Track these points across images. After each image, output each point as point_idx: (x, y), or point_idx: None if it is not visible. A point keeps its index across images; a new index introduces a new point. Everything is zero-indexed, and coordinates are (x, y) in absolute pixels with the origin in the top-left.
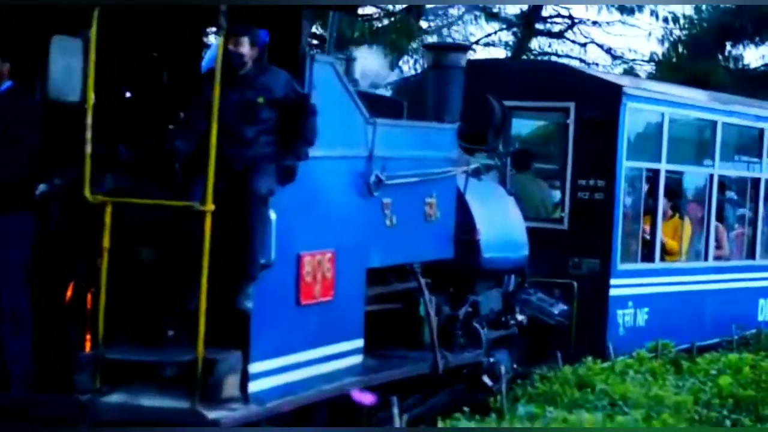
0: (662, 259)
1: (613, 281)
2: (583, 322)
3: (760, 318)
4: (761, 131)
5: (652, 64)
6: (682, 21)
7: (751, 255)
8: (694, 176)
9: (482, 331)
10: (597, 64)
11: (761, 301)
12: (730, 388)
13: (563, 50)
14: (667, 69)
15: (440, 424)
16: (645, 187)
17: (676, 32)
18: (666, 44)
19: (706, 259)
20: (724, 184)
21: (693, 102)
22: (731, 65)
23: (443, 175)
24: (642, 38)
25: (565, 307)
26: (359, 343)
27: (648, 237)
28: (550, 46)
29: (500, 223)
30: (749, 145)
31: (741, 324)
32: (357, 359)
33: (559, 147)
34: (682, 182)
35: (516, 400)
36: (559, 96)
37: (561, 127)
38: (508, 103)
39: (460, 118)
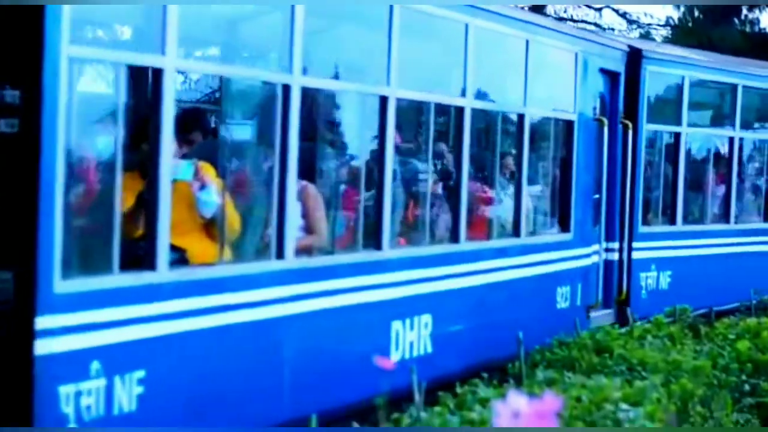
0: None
1: (51, 319)
2: None
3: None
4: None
5: (668, 28)
6: None
7: (377, 245)
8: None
9: None
10: (612, 29)
11: (394, 325)
12: (749, 353)
13: (578, 15)
14: (682, 33)
15: (459, 390)
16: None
17: None
18: (681, 8)
19: (280, 256)
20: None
21: None
22: (747, 29)
23: None
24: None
25: None
26: None
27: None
28: (565, 11)
29: None
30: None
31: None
32: None
33: None
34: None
35: (535, 366)
36: None
37: None
38: None
39: None
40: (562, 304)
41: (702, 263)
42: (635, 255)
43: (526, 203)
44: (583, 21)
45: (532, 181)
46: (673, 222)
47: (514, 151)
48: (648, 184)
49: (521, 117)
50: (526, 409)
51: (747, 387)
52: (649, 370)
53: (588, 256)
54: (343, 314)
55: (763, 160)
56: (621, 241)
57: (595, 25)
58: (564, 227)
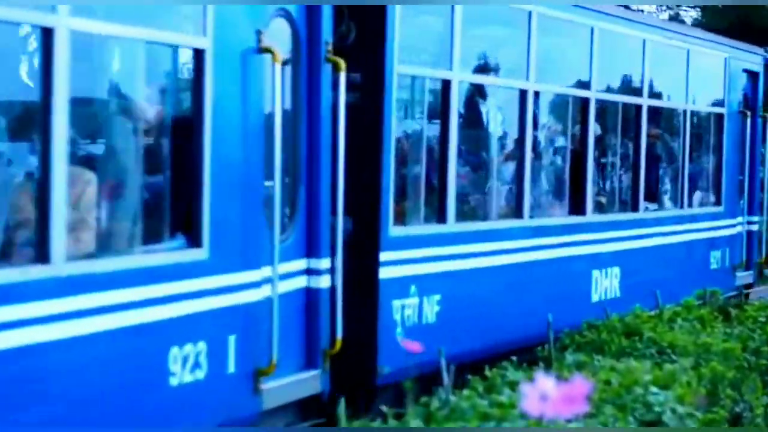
0: None
1: None
2: None
3: None
4: None
5: (698, 9)
6: None
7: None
8: None
9: None
10: (642, 11)
11: None
12: None
13: None
14: (712, 14)
15: (488, 373)
16: None
17: None
18: None
19: None
20: None
21: None
22: None
23: None
24: None
25: None
26: None
27: None
28: None
29: None
30: None
31: None
32: None
33: None
34: None
35: (564, 349)
36: None
37: None
38: None
39: None
40: (181, 377)
41: (486, 279)
42: (385, 273)
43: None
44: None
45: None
46: (442, 219)
47: None
48: (402, 162)
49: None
50: (554, 392)
51: None
52: (678, 353)
53: (251, 286)
54: None
55: (566, 126)
56: (334, 255)
57: (625, 6)
58: (193, 240)
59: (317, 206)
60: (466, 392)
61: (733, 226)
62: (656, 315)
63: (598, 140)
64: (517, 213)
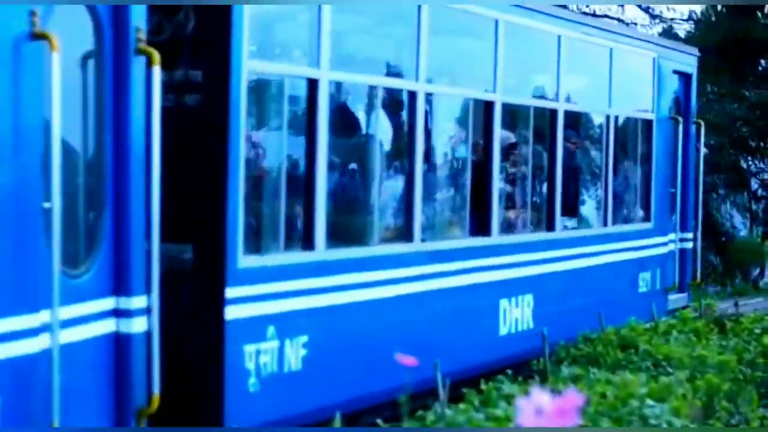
0: None
1: None
2: None
3: None
4: None
5: (691, 23)
6: None
7: None
8: None
9: None
10: (635, 24)
11: None
12: None
13: (601, 9)
14: (706, 28)
15: (483, 387)
16: None
17: None
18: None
19: None
20: None
21: None
22: None
23: None
24: None
25: None
26: None
27: None
28: (588, 6)
29: None
30: None
31: None
32: None
33: None
34: None
35: (560, 362)
36: None
37: None
38: None
39: None
40: None
41: (367, 316)
42: (233, 312)
43: None
44: (606, 16)
45: None
46: (309, 245)
47: None
48: (257, 177)
49: None
50: (548, 405)
51: None
52: (674, 366)
53: (22, 335)
54: None
55: (467, 134)
56: (150, 291)
57: (618, 20)
58: None
59: (127, 233)
60: (462, 406)
61: (665, 244)
62: (652, 328)
63: (506, 150)
64: (406, 236)
